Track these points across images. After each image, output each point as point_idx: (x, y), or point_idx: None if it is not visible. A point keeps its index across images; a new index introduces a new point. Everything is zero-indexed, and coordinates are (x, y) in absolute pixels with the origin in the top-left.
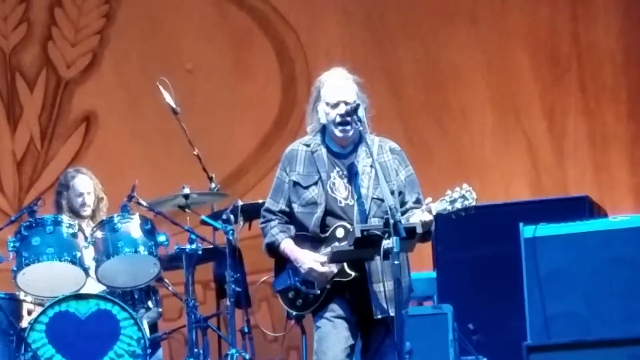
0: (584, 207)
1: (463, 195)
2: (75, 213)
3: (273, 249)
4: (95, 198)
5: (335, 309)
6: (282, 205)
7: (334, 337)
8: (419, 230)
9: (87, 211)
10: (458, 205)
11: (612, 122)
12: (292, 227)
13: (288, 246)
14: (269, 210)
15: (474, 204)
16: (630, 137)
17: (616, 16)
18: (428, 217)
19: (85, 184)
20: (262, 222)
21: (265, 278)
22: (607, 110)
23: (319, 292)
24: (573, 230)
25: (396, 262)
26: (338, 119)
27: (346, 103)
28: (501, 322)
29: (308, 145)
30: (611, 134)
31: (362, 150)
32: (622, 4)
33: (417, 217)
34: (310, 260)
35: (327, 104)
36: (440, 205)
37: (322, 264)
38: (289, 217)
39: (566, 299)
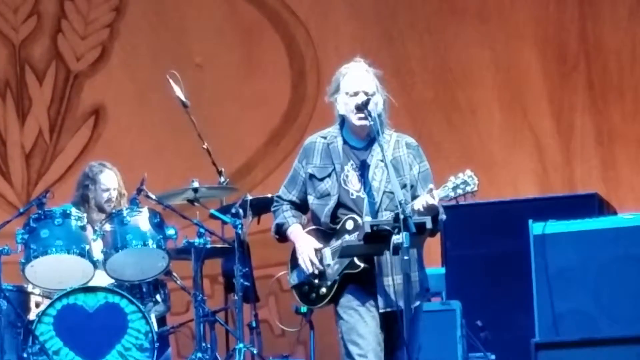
0: (593, 204)
1: (465, 180)
2: (99, 208)
3: (281, 231)
4: (118, 194)
5: (354, 297)
6: (292, 197)
7: (364, 325)
8: (429, 225)
9: (110, 207)
10: (460, 191)
11: (619, 120)
12: (303, 215)
13: (295, 230)
14: (280, 197)
15: (475, 189)
16: (635, 136)
17: (622, 14)
18: (431, 200)
19: (111, 180)
20: (274, 206)
21: (281, 274)
22: (614, 108)
23: (329, 283)
24: (582, 228)
25: (406, 258)
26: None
27: (366, 93)
28: (509, 318)
29: (325, 137)
30: (618, 133)
31: (377, 144)
32: (627, 1)
33: (420, 201)
34: (307, 245)
35: (347, 93)
36: (443, 192)
37: (317, 251)
38: (298, 208)
39: (575, 296)
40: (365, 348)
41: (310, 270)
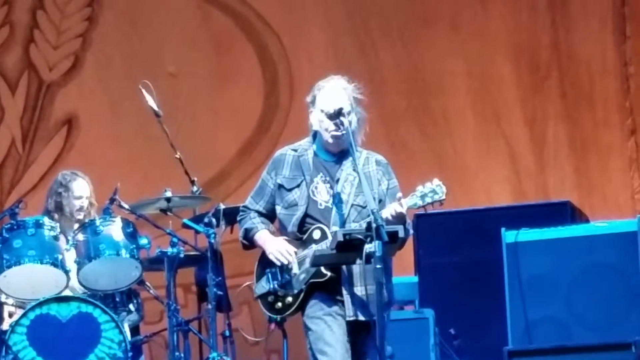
0: (565, 213)
1: (433, 189)
2: (70, 216)
3: (249, 236)
4: (89, 204)
5: (321, 306)
6: (259, 207)
7: (331, 334)
8: (401, 234)
9: (81, 215)
10: (428, 199)
11: (591, 129)
12: (270, 223)
13: (264, 235)
14: (247, 207)
15: (443, 197)
16: (607, 144)
17: (593, 24)
18: (399, 208)
19: (83, 189)
20: (241, 215)
21: (248, 283)
22: (586, 117)
23: (296, 292)
24: (555, 236)
25: (378, 266)
26: (332, 128)
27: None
28: (482, 326)
29: (296, 150)
30: (590, 141)
31: (348, 159)
32: (598, 11)
33: (389, 210)
34: (278, 246)
35: (322, 111)
36: (411, 201)
37: (289, 252)
38: (265, 218)
39: (548, 304)
40: (333, 356)
41: (286, 262)
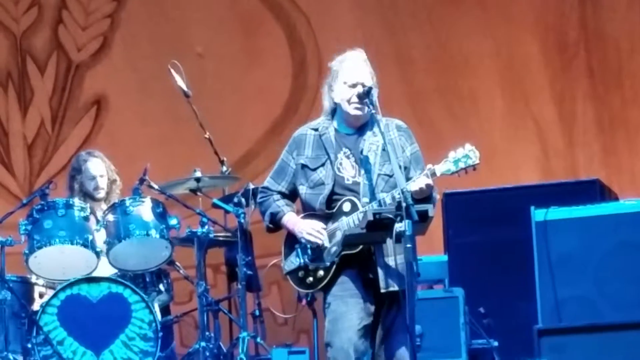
0: (595, 191)
1: (466, 154)
2: (89, 196)
3: (276, 220)
4: (109, 180)
5: (347, 286)
6: (282, 188)
7: (349, 318)
8: (431, 213)
9: (100, 194)
10: (462, 164)
11: (619, 107)
12: (293, 204)
13: (291, 218)
14: (268, 189)
15: (477, 162)
16: (635, 122)
17: (621, 2)
18: (429, 181)
19: (97, 167)
20: (262, 197)
21: (275, 261)
22: (614, 95)
23: (328, 264)
24: (584, 214)
25: (408, 246)
26: (355, 99)
27: (363, 85)
28: (512, 305)
29: (316, 129)
30: (618, 119)
31: (368, 130)
32: None
33: (418, 183)
34: (308, 226)
35: (345, 83)
36: (444, 167)
37: (320, 231)
38: (288, 199)
39: (577, 282)
40: (346, 342)
41: (320, 242)
